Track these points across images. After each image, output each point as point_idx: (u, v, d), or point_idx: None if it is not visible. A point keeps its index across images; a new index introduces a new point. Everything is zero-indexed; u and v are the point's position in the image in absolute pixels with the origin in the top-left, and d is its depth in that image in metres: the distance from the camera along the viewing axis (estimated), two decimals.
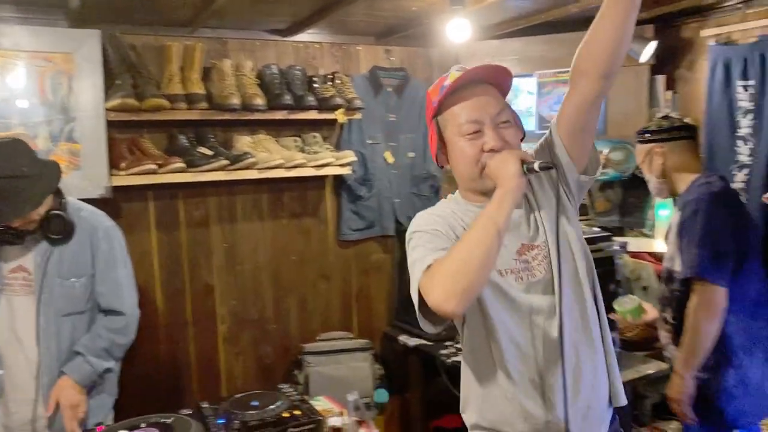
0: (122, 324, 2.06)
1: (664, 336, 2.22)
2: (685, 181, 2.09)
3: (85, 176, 2.51)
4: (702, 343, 1.96)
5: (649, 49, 3.00)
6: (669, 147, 2.11)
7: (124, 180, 2.55)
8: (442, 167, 1.48)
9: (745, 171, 2.87)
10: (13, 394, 1.97)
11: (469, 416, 1.49)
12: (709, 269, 1.90)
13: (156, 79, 2.65)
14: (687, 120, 2.24)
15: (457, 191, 1.50)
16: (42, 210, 1.90)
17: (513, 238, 1.38)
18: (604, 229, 3.10)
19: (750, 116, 2.83)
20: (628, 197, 3.42)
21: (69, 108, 2.49)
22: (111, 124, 2.57)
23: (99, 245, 2.02)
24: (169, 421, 1.82)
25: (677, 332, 2.07)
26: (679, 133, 2.10)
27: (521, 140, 1.43)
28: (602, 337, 1.42)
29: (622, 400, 1.45)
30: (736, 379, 1.92)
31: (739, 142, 2.88)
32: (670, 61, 3.18)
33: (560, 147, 1.36)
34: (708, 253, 1.90)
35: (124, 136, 2.65)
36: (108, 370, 2.08)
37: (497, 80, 1.40)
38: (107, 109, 2.52)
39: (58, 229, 1.93)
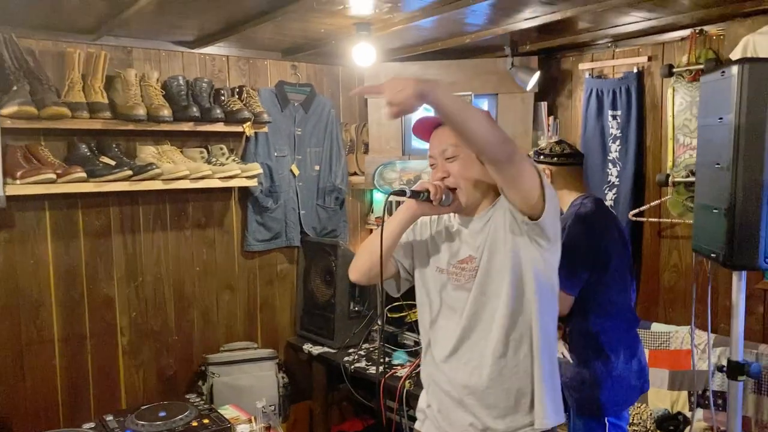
0: None
1: None
2: (566, 200, 2.35)
3: None
4: None
5: (534, 78, 3.31)
6: (557, 170, 2.33)
7: (18, 189, 2.44)
8: None
9: (614, 190, 3.24)
10: None
11: None
12: (562, 280, 2.17)
13: (56, 86, 2.58)
14: (577, 148, 2.49)
15: None
16: None
17: (465, 250, 1.64)
18: None
19: (618, 142, 3.21)
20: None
21: None
22: (5, 131, 2.46)
23: None
24: None
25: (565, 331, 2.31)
26: (566, 159, 2.35)
27: None
28: (532, 357, 1.58)
29: (539, 422, 1.56)
30: (603, 372, 2.19)
31: (610, 165, 3.26)
32: (552, 90, 3.53)
33: (506, 202, 1.57)
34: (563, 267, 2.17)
35: (19, 144, 2.55)
36: None
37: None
38: (2, 116, 2.41)
39: None
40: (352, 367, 2.96)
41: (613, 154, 3.24)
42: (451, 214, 1.70)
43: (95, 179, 2.59)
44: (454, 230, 1.68)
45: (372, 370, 2.91)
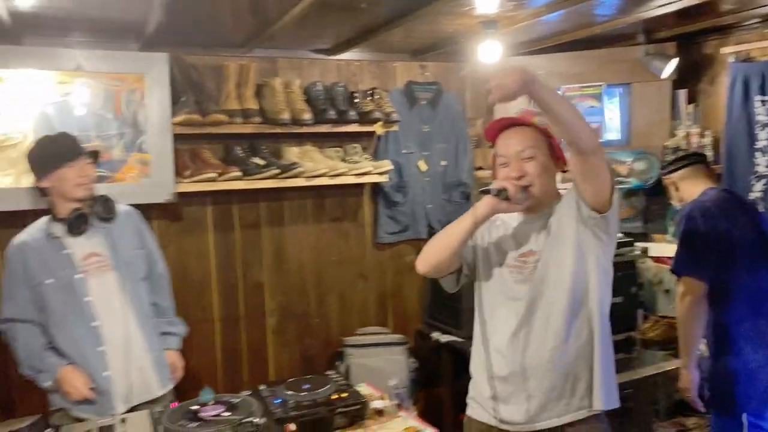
0: (167, 281, 2.54)
1: None
2: (693, 193, 2.31)
3: (154, 183, 2.80)
4: (686, 332, 2.22)
5: (671, 65, 3.18)
6: (679, 175, 2.36)
7: (187, 187, 2.83)
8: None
9: (763, 181, 3.03)
10: (112, 361, 2.27)
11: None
12: (683, 265, 2.20)
13: (215, 95, 2.94)
14: (695, 149, 2.46)
15: None
16: (92, 172, 2.29)
17: (521, 244, 1.75)
18: (627, 234, 3.29)
19: (767, 129, 2.99)
20: (651, 204, 3.59)
21: (139, 122, 2.79)
22: (176, 137, 2.86)
23: (140, 225, 2.46)
24: (235, 401, 2.07)
25: None
26: (684, 161, 2.36)
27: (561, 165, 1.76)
28: (591, 343, 1.68)
29: (598, 404, 1.67)
30: (737, 365, 2.11)
31: (757, 154, 3.04)
32: (691, 77, 3.35)
33: (574, 194, 1.67)
34: (683, 252, 2.19)
35: (186, 147, 2.94)
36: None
37: (527, 125, 1.76)
38: (173, 123, 2.81)
39: (109, 208, 2.31)
40: None
41: (762, 142, 3.02)
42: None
43: (248, 177, 2.91)
44: (515, 226, 1.79)
45: None
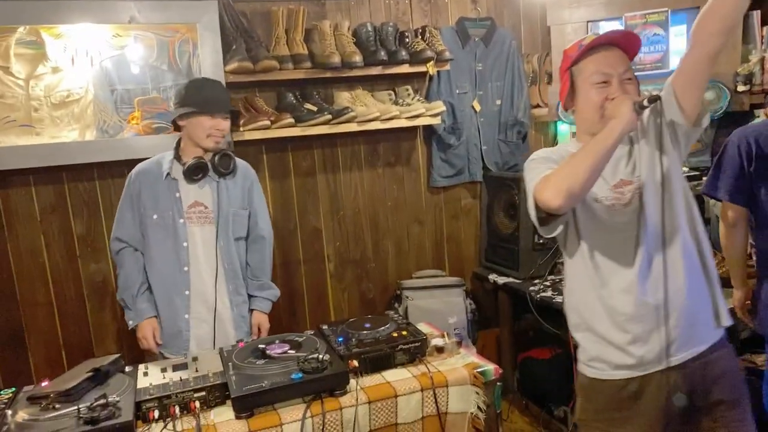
0: (267, 244, 2.57)
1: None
2: None
3: None
4: (728, 254, 2.26)
5: None
6: None
7: (242, 135, 2.87)
8: (566, 110, 1.74)
9: None
10: (195, 307, 2.40)
11: (571, 316, 1.77)
12: (713, 187, 2.22)
13: (265, 42, 2.93)
14: None
15: (573, 140, 1.78)
16: (226, 128, 2.36)
17: (612, 173, 1.62)
18: (694, 169, 3.16)
19: None
20: (720, 137, 3.40)
21: (193, 72, 2.83)
22: (228, 85, 2.87)
23: (253, 185, 2.51)
24: (300, 339, 2.15)
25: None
26: None
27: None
28: (703, 264, 1.61)
29: (725, 320, 1.63)
30: None
31: None
32: None
33: (673, 101, 1.54)
34: (715, 174, 2.22)
35: (239, 96, 2.96)
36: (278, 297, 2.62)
37: (626, 46, 1.64)
38: (226, 72, 2.83)
39: (227, 164, 2.37)
40: (538, 296, 3.03)
41: None
42: (570, 148, 1.68)
43: (301, 124, 2.92)
44: None
45: (559, 299, 2.95)
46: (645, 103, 1.52)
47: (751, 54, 3.08)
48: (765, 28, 3.09)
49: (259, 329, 2.53)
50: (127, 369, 2.09)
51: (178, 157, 2.36)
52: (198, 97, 2.29)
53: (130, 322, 2.39)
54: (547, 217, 1.58)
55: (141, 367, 2.05)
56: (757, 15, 3.08)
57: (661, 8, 3.17)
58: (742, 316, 2.37)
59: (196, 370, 1.97)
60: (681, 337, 1.58)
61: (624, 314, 1.61)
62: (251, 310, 2.52)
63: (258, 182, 2.53)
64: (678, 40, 3.26)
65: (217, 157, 2.34)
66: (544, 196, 1.50)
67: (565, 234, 1.69)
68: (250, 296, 2.52)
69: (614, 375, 1.64)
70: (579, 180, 1.47)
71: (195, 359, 2.06)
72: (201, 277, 2.37)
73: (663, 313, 1.57)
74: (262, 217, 2.53)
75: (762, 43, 3.09)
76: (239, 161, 2.47)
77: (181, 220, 2.34)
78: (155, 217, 2.34)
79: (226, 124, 2.34)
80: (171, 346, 2.39)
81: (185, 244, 2.34)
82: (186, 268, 2.36)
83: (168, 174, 2.34)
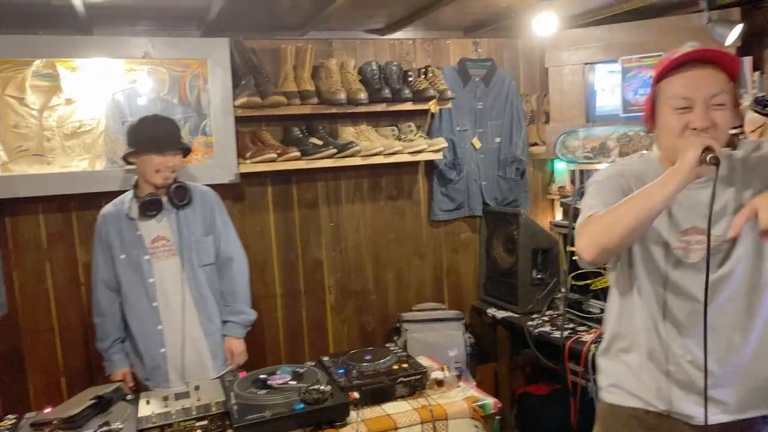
0: (237, 266, 2.59)
1: None
2: None
3: (218, 165, 2.92)
4: None
5: (736, 31, 3.06)
6: None
7: (248, 167, 2.94)
8: (649, 132, 1.55)
9: None
10: (168, 340, 2.43)
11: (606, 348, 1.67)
12: None
13: (273, 78, 3.02)
14: None
15: (655, 152, 1.56)
16: (176, 165, 2.39)
17: (688, 217, 1.46)
18: None
19: None
20: None
21: (203, 106, 2.91)
22: (237, 119, 2.96)
23: (215, 210, 2.55)
24: (301, 370, 2.17)
25: None
26: None
27: (736, 128, 1.52)
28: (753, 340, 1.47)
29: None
30: None
31: None
32: (757, 43, 3.21)
33: None
34: None
35: (247, 129, 3.04)
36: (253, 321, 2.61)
37: (724, 65, 1.41)
38: (235, 106, 2.91)
39: (182, 196, 2.43)
40: (536, 331, 3.05)
41: None
42: (645, 167, 1.50)
43: (307, 157, 2.99)
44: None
45: (556, 334, 2.98)
46: (707, 159, 1.29)
47: (742, 98, 3.18)
48: (756, 73, 3.20)
49: (232, 354, 2.54)
50: (129, 397, 2.11)
51: (136, 195, 2.42)
52: (146, 135, 2.35)
53: (106, 370, 2.47)
54: None
55: (143, 396, 2.07)
56: (748, 61, 3.19)
57: (657, 52, 3.28)
58: None
59: (198, 399, 1.99)
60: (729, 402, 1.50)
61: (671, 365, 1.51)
62: (224, 336, 2.54)
63: (220, 205, 2.57)
64: None
65: (171, 190, 2.39)
66: (578, 246, 1.38)
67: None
68: (223, 322, 2.55)
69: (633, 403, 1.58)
70: (615, 237, 1.33)
71: (197, 388, 2.09)
72: (171, 309, 2.42)
73: (725, 366, 1.48)
74: (228, 239, 2.57)
75: (753, 86, 3.20)
76: (198, 187, 2.52)
77: (146, 257, 2.40)
78: (123, 256, 2.40)
79: (175, 160, 2.38)
80: (152, 378, 2.44)
81: (151, 280, 2.40)
82: (155, 304, 2.41)
83: (127, 213, 2.40)
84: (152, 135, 2.35)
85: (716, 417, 1.49)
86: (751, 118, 2.34)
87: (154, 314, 2.41)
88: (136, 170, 2.41)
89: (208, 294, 2.48)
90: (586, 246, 1.37)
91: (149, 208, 2.38)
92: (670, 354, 1.51)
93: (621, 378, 1.61)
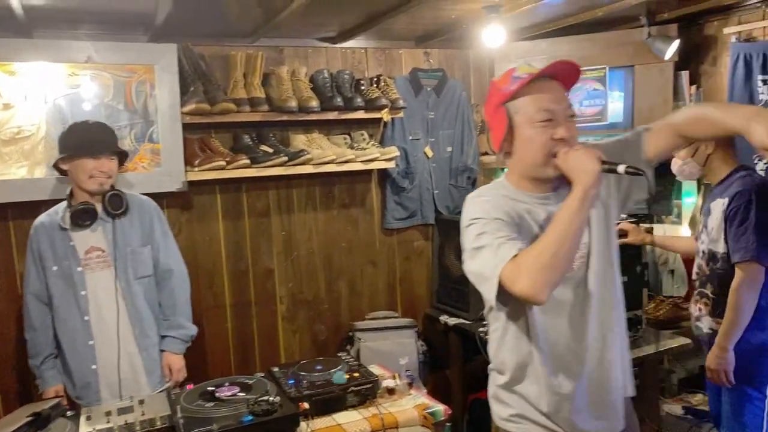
0: (177, 279, 2.50)
1: (698, 309, 2.45)
2: (723, 172, 2.33)
3: (165, 172, 2.85)
4: (746, 316, 2.22)
5: (673, 47, 3.20)
6: (718, 141, 2.31)
7: (197, 175, 2.88)
8: (500, 151, 1.54)
9: (766, 160, 3.05)
10: (101, 356, 2.34)
11: (500, 378, 1.64)
12: (763, 253, 2.17)
13: (223, 85, 2.98)
14: None
15: (503, 177, 1.60)
16: (111, 170, 2.32)
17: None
18: (633, 215, 3.33)
19: None
20: (658, 186, 3.61)
21: (150, 113, 2.84)
22: (185, 126, 2.90)
23: (154, 220, 2.46)
24: (250, 381, 2.13)
25: (716, 305, 2.33)
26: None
27: None
28: (623, 332, 1.57)
29: (632, 391, 1.61)
30: (763, 340, 2.21)
31: None
32: (693, 58, 3.37)
33: (624, 180, 1.51)
34: (763, 239, 2.17)
35: (195, 137, 2.98)
36: (193, 336, 2.51)
37: (564, 78, 1.50)
38: (183, 113, 2.86)
39: (118, 204, 2.35)
40: (487, 337, 3.08)
41: None
42: (504, 192, 1.53)
43: (257, 165, 2.96)
44: (541, 213, 1.49)
45: None
46: (619, 170, 1.37)
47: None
48: (693, 87, 3.35)
49: (171, 371, 2.45)
50: (69, 413, 2.03)
51: (70, 204, 2.32)
52: (78, 139, 2.28)
53: (39, 387, 2.37)
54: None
55: (84, 411, 2.00)
56: (685, 75, 3.35)
57: (600, 65, 3.39)
58: (729, 377, 2.30)
59: (143, 414, 1.93)
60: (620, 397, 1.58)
61: (555, 383, 1.52)
62: (162, 351, 2.45)
63: (160, 215, 2.50)
64: (615, 94, 3.49)
65: (107, 198, 2.32)
66: (522, 289, 1.31)
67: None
68: (162, 337, 2.46)
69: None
70: (562, 269, 1.34)
71: (141, 402, 2.02)
72: (104, 324, 2.32)
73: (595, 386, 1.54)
74: (167, 251, 2.49)
75: (690, 99, 3.35)
76: (137, 197, 2.46)
77: (79, 269, 2.31)
78: (55, 268, 2.31)
79: (111, 164, 2.31)
80: (84, 397, 2.35)
81: (83, 292, 2.31)
82: (86, 318, 2.31)
83: (59, 224, 2.30)
84: (84, 139, 2.27)
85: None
86: None
87: (86, 328, 2.31)
88: (70, 178, 2.32)
89: (144, 307, 2.39)
90: (537, 289, 1.31)
91: (82, 217, 2.29)
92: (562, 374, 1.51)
93: (523, 408, 1.57)
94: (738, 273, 2.21)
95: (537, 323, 1.49)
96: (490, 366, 1.70)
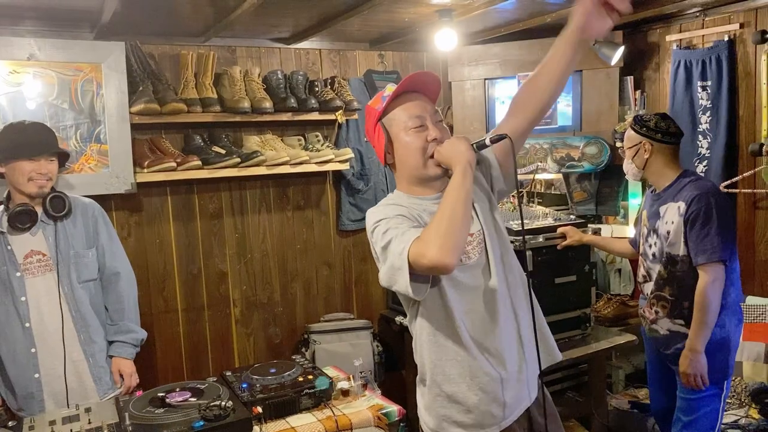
0: (124, 282, 2.44)
1: (654, 312, 2.45)
2: (667, 177, 2.38)
3: (112, 174, 2.78)
4: (714, 316, 2.26)
5: (618, 52, 3.31)
6: (657, 147, 2.37)
7: (146, 177, 2.82)
8: (386, 165, 1.67)
9: (705, 163, 3.19)
10: (45, 365, 2.25)
11: (426, 388, 1.66)
12: (727, 253, 2.24)
13: (173, 85, 2.92)
14: (679, 127, 2.46)
15: (396, 191, 1.69)
16: (51, 171, 2.25)
17: None
18: (581, 216, 3.43)
19: (708, 113, 3.15)
20: (603, 188, 3.74)
21: (96, 113, 2.76)
22: (134, 127, 2.83)
23: (98, 222, 2.40)
24: (202, 386, 2.10)
25: (674, 307, 2.36)
26: (671, 139, 2.36)
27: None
28: (532, 303, 1.64)
29: (558, 356, 1.71)
30: (723, 336, 2.30)
31: (700, 137, 3.20)
32: (638, 64, 3.49)
33: (494, 163, 1.65)
34: (726, 240, 2.23)
35: (145, 137, 2.92)
36: (143, 340, 2.45)
37: (427, 89, 1.64)
38: (131, 113, 2.79)
39: (60, 206, 2.27)
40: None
41: (703, 126, 3.18)
42: (401, 202, 1.62)
43: (209, 167, 2.91)
44: (423, 206, 1.60)
45: None
46: (486, 142, 1.53)
47: (627, 114, 3.44)
48: (637, 92, 3.47)
49: (122, 376, 2.39)
50: (10, 423, 1.96)
51: (7, 208, 2.24)
52: (14, 140, 2.20)
53: None
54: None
55: (26, 421, 1.93)
56: (630, 80, 3.46)
57: None
58: (705, 379, 2.32)
59: (89, 422, 1.88)
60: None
61: (481, 373, 1.57)
62: (111, 357, 2.39)
63: (105, 218, 2.44)
64: (563, 98, 3.58)
65: (48, 200, 2.24)
66: (431, 259, 1.37)
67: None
68: (110, 342, 2.40)
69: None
70: (459, 232, 1.42)
71: (88, 410, 1.97)
72: (47, 330, 2.24)
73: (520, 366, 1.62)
74: (113, 253, 2.42)
75: (635, 104, 3.47)
76: (81, 199, 2.39)
77: (18, 274, 2.22)
78: None
79: (51, 166, 2.25)
80: (26, 408, 2.25)
81: (23, 298, 2.22)
82: (27, 324, 2.22)
83: None
84: (21, 140, 2.19)
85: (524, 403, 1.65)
86: (629, 135, 2.46)
87: (27, 336, 2.21)
88: (7, 181, 2.23)
89: (89, 312, 2.32)
90: (444, 253, 1.38)
91: (19, 219, 2.20)
92: (485, 363, 1.57)
93: (450, 411, 1.60)
94: (702, 275, 2.25)
95: (455, 311, 1.54)
96: (417, 379, 1.70)
